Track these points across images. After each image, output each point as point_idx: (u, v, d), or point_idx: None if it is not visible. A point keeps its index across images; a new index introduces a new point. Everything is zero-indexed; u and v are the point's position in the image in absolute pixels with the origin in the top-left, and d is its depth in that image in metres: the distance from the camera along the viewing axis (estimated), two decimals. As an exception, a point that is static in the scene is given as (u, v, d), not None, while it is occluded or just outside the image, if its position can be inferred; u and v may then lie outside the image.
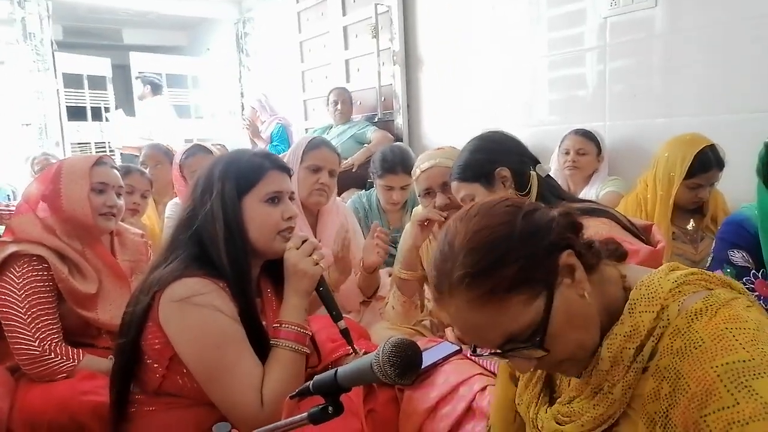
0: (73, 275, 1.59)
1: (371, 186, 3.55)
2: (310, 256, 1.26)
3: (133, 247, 1.81)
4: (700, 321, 0.70)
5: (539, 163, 1.54)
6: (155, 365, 1.21)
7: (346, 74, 4.11)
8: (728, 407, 0.63)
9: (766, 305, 1.33)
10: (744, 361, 0.65)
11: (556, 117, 2.94)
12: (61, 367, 1.47)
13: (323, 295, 1.29)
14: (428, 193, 1.78)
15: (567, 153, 2.61)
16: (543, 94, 3.01)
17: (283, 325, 1.23)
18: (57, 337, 1.51)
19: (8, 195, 3.71)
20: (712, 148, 1.97)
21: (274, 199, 1.27)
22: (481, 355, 0.82)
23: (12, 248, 1.51)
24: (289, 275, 1.26)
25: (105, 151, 6.85)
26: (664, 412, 0.70)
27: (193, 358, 1.16)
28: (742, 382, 0.63)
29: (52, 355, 1.47)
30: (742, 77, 2.22)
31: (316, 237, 2.00)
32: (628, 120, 2.65)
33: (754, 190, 1.77)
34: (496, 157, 1.48)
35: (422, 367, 1.44)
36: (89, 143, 6.67)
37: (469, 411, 1.32)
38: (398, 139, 3.64)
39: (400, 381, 0.79)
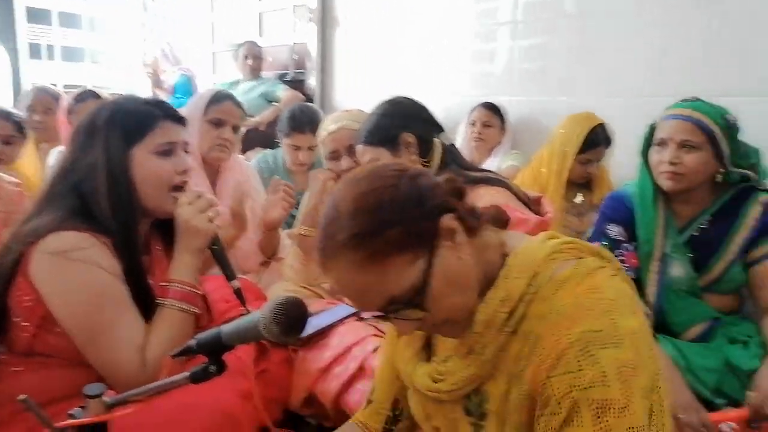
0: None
1: (278, 146, 3.48)
2: (204, 212, 1.20)
3: (6, 197, 1.66)
4: (564, 289, 0.75)
5: (443, 131, 1.57)
6: (24, 323, 1.11)
7: (259, 28, 3.94)
8: (572, 372, 0.68)
9: (634, 275, 1.45)
10: (595, 331, 0.69)
11: (468, 88, 3.00)
12: None
13: (217, 253, 1.24)
14: (334, 156, 1.76)
15: (473, 124, 2.68)
16: (456, 64, 3.05)
17: (172, 284, 1.17)
18: None
19: None
20: (602, 126, 2.12)
21: (167, 151, 1.18)
22: (365, 319, 0.83)
23: None
24: (181, 232, 1.19)
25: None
26: (520, 371, 0.75)
27: (69, 316, 1.08)
28: (588, 351, 0.68)
29: None
30: (636, 64, 2.37)
31: (215, 194, 1.92)
32: (533, 96, 2.75)
33: (635, 167, 1.91)
34: (402, 122, 1.48)
35: (315, 327, 1.47)
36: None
37: (360, 370, 1.35)
38: (309, 100, 3.56)
39: (285, 339, 0.78)
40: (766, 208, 1.39)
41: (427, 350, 0.92)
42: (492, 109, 2.68)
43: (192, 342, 0.83)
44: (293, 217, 2.33)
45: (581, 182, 2.20)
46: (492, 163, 2.61)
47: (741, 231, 1.40)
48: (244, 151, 3.03)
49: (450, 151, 1.54)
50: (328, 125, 1.78)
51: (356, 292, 0.77)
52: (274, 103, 3.50)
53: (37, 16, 6.07)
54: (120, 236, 1.12)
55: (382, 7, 3.29)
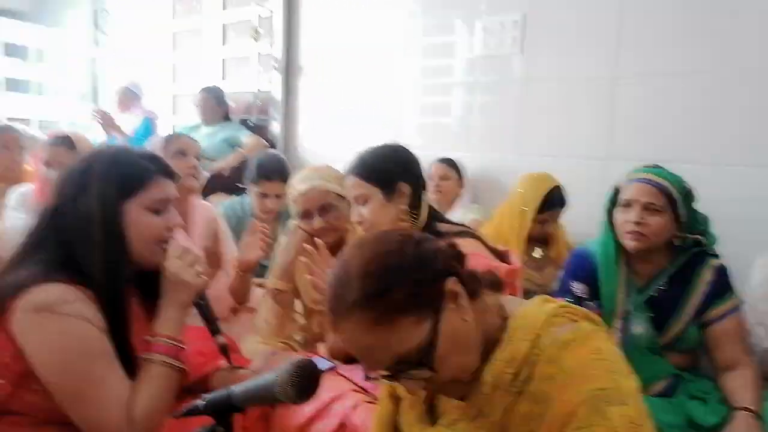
0: None
1: (241, 191, 3.46)
2: (192, 266, 1.20)
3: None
4: (568, 350, 0.81)
5: (425, 189, 1.64)
6: (1, 381, 1.07)
7: (222, 72, 3.96)
8: (584, 428, 0.74)
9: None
10: (602, 389, 0.76)
11: (425, 142, 3.10)
12: None
13: (202, 308, 1.24)
14: (306, 215, 1.76)
15: (431, 179, 2.75)
16: (414, 118, 3.17)
17: (159, 339, 1.15)
18: None
19: None
20: (558, 188, 2.24)
21: (159, 208, 1.18)
22: (374, 379, 0.86)
23: None
24: (170, 286, 1.18)
25: None
26: (531, 431, 0.80)
27: (55, 372, 1.04)
28: (599, 407, 0.75)
29: None
30: (582, 127, 2.55)
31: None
32: (488, 153, 2.89)
33: (586, 224, 2.04)
34: (403, 171, 1.53)
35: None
36: None
37: (341, 427, 1.35)
38: (272, 145, 3.58)
39: (299, 401, 0.80)
40: (717, 273, 1.52)
41: (430, 413, 0.95)
42: (448, 162, 2.80)
43: (200, 402, 0.83)
44: (263, 266, 2.32)
45: (539, 238, 2.31)
46: (454, 216, 2.69)
47: (695, 293, 1.51)
48: (205, 195, 3.00)
49: (431, 207, 1.61)
50: (298, 185, 1.77)
51: (365, 351, 0.80)
52: (237, 148, 3.50)
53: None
54: (108, 289, 1.10)
55: (344, 58, 3.39)
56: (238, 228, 2.46)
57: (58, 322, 1.04)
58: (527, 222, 2.20)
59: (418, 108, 3.15)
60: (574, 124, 2.57)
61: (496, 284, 0.95)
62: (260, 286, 2.19)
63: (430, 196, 2.74)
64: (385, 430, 1.03)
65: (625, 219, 1.53)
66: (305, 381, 0.79)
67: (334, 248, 1.84)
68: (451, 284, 0.82)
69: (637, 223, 1.49)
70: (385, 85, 3.24)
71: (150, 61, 4.70)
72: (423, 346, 0.78)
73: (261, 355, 1.50)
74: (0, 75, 6.23)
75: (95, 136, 3.93)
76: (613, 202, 1.60)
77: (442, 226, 1.56)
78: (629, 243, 1.53)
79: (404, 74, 3.17)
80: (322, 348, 1.68)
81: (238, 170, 3.38)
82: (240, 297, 2.04)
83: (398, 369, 0.79)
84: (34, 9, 7.77)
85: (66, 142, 2.16)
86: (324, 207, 1.74)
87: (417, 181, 1.56)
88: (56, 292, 1.05)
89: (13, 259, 1.14)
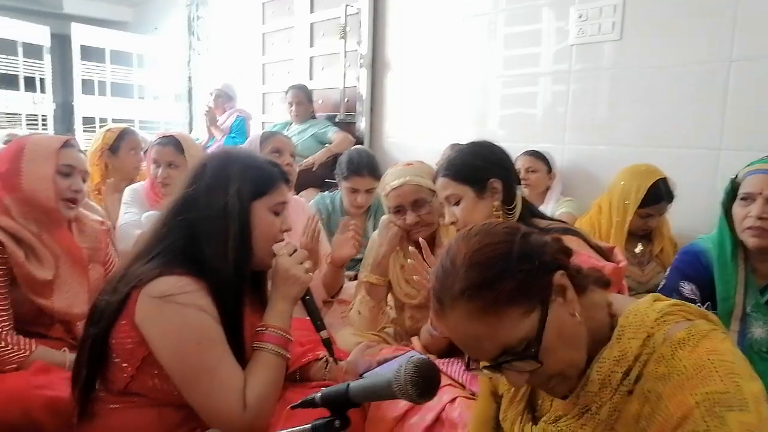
0: (29, 260, 1.49)
1: (330, 186, 3.54)
2: (301, 263, 1.26)
3: (92, 234, 1.72)
4: (684, 350, 0.76)
5: (521, 183, 1.60)
6: (124, 364, 1.16)
7: (309, 71, 4.06)
8: None
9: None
10: (721, 392, 0.71)
11: (511, 134, 3.03)
12: (12, 357, 1.38)
13: (308, 303, 1.30)
14: (398, 210, 1.78)
15: (518, 171, 2.68)
16: (499, 110, 3.10)
17: (268, 329, 1.21)
18: (8, 325, 1.42)
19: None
20: (664, 181, 2.10)
21: (279, 210, 1.27)
22: (476, 369, 0.85)
23: (-35, 230, 1.40)
24: (280, 280, 1.24)
25: (38, 125, 6.44)
26: (641, 431, 0.76)
27: (173, 358, 1.11)
28: (715, 412, 0.70)
29: (2, 344, 1.38)
30: (688, 115, 2.39)
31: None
32: (578, 144, 2.78)
33: (692, 219, 1.90)
34: (492, 167, 1.50)
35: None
36: (20, 114, 6.24)
37: (437, 422, 1.35)
38: (359, 141, 3.64)
39: (419, 400, 0.80)
40: None
41: (530, 409, 0.93)
42: (534, 154, 2.72)
43: (316, 395, 0.85)
44: (355, 260, 2.37)
45: (641, 233, 2.19)
46: (545, 210, 2.61)
47: (823, 294, 1.38)
48: (297, 191, 3.09)
49: (526, 202, 1.57)
50: (390, 180, 1.80)
51: (471, 340, 0.80)
52: (325, 144, 3.58)
53: (91, 54, 6.36)
54: (231, 281, 1.17)
55: (430, 52, 3.38)
56: (328, 223, 2.53)
57: (177, 311, 1.11)
58: (629, 216, 2.08)
59: (503, 99, 3.08)
60: (679, 113, 2.41)
61: (603, 281, 0.92)
62: (353, 278, 2.24)
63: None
64: (484, 427, 1.02)
65: (745, 214, 1.42)
66: (426, 380, 0.79)
67: (427, 243, 1.84)
68: (559, 277, 0.80)
69: (760, 218, 1.38)
70: (470, 77, 3.20)
71: (241, 63, 4.91)
72: (530, 338, 0.77)
73: (356, 349, 1.52)
74: (107, 80, 6.77)
75: (196, 135, 4.17)
76: (731, 195, 1.48)
77: (540, 222, 1.51)
78: (750, 239, 1.42)
79: (489, 65, 3.11)
80: (416, 342, 1.68)
81: (327, 166, 3.47)
82: (332, 290, 2.09)
83: (503, 360, 0.78)
84: (135, 19, 8.36)
85: (173, 141, 2.30)
86: (416, 202, 1.76)
87: (508, 176, 1.52)
88: (175, 283, 1.12)
89: (144, 245, 1.22)
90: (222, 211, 1.18)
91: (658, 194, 2.09)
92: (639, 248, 2.19)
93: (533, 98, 2.94)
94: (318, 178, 3.46)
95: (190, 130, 7.30)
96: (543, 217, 1.60)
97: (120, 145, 2.64)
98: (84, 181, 1.61)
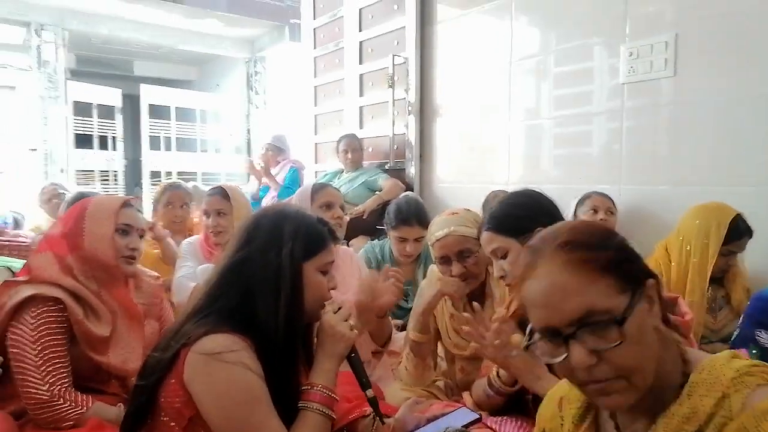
0: (88, 317, 1.55)
1: (381, 233, 3.55)
2: (346, 320, 1.26)
3: (148, 290, 1.78)
4: None
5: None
6: (172, 423, 1.16)
7: (359, 121, 4.15)
8: None
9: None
10: None
11: (565, 175, 2.96)
12: (69, 414, 1.42)
13: (354, 361, 1.29)
14: (444, 261, 1.76)
15: (595, 211, 2.56)
16: (552, 151, 3.04)
17: (314, 388, 1.20)
18: (67, 382, 1.46)
19: (6, 221, 3.64)
20: (740, 216, 1.99)
21: (327, 270, 1.29)
22: (531, 346, 0.82)
23: (28, 291, 1.47)
24: (326, 338, 1.24)
25: (109, 180, 6.85)
26: None
27: (219, 416, 1.12)
28: None
29: (61, 401, 1.42)
30: (755, 151, 2.26)
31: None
32: (636, 185, 2.67)
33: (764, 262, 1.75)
34: (537, 216, 1.44)
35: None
36: (93, 171, 6.67)
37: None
38: (409, 188, 3.66)
39: None
40: None
41: None
42: (606, 196, 2.62)
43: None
44: (402, 308, 2.34)
45: (719, 275, 2.05)
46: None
47: None
48: (348, 239, 3.12)
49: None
50: (435, 230, 1.77)
51: (558, 293, 0.76)
52: (376, 192, 3.61)
53: (158, 112, 6.79)
54: (282, 340, 1.17)
55: (479, 97, 3.39)
56: (378, 271, 2.51)
57: (224, 370, 1.11)
58: (712, 256, 1.95)
59: (555, 140, 3.03)
60: (744, 148, 2.29)
61: (679, 330, 0.86)
62: (402, 329, 2.20)
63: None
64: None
65: None
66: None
67: (475, 295, 1.79)
68: (651, 285, 0.79)
69: None
70: (520, 119, 3.18)
71: (295, 115, 5.09)
72: (616, 313, 0.74)
73: (404, 405, 1.48)
74: (172, 136, 7.18)
75: (251, 186, 4.32)
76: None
77: None
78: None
79: (539, 106, 3.08)
80: (467, 397, 1.61)
81: (377, 213, 3.49)
82: (380, 340, 2.05)
83: (586, 322, 0.74)
84: (198, 77, 8.88)
85: (219, 191, 2.39)
86: (462, 253, 1.73)
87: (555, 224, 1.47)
88: (222, 341, 1.13)
89: (195, 306, 1.25)
90: (275, 273, 1.20)
91: (739, 230, 1.96)
92: (708, 292, 2.05)
93: (587, 138, 2.89)
94: (368, 225, 3.48)
95: (248, 180, 7.60)
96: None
97: (160, 199, 2.84)
98: (141, 238, 1.67)
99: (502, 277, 1.50)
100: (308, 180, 4.31)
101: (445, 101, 3.61)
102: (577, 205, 2.65)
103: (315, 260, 1.26)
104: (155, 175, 6.96)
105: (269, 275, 1.20)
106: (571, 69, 2.93)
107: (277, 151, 4.21)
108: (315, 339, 1.31)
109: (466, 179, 3.46)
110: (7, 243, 2.38)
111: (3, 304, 1.50)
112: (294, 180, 3.99)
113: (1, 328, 1.48)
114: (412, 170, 3.72)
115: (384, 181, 3.62)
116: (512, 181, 3.17)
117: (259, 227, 1.27)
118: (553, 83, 3.01)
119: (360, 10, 4.09)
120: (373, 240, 3.44)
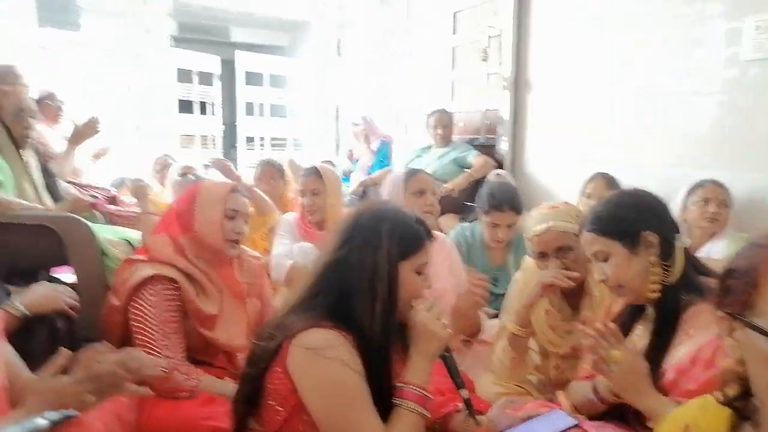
0: (199, 296, 1.66)
1: (470, 210, 3.51)
2: (439, 318, 1.25)
3: (250, 270, 1.87)
4: None
5: (679, 232, 1.44)
6: (278, 408, 1.23)
7: (450, 93, 4.07)
8: None
9: None
10: None
11: (669, 161, 2.76)
12: (184, 384, 1.54)
13: (448, 360, 1.28)
14: (542, 256, 1.72)
15: (706, 203, 2.37)
16: (654, 135, 2.84)
17: (408, 386, 1.22)
18: (182, 355, 1.59)
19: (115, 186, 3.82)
20: None
21: (422, 271, 1.28)
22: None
23: (149, 270, 1.60)
24: (419, 336, 1.25)
25: (207, 144, 7.20)
26: None
27: (320, 409, 1.17)
28: None
29: (176, 373, 1.55)
30: None
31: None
32: (753, 172, 2.45)
33: None
34: (645, 218, 1.36)
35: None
36: (194, 135, 7.04)
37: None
38: (500, 165, 3.56)
39: None
40: None
41: None
42: (722, 186, 2.40)
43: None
44: (492, 294, 2.31)
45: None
46: (715, 248, 2.33)
47: None
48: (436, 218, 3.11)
49: (690, 256, 1.41)
50: (534, 224, 1.73)
51: None
52: (465, 169, 3.56)
53: (252, 78, 7.02)
54: (378, 338, 1.20)
55: (577, 72, 3.21)
56: (468, 254, 2.50)
57: (324, 365, 1.16)
58: None
59: (660, 121, 2.81)
60: None
61: None
62: (494, 316, 2.18)
63: (699, 223, 2.40)
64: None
65: None
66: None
67: (575, 295, 1.74)
68: None
69: None
70: (621, 97, 2.98)
71: (383, 85, 5.07)
72: None
73: (498, 404, 1.48)
74: (265, 102, 7.41)
75: (340, 161, 4.39)
76: None
77: (708, 282, 1.34)
78: None
79: (644, 83, 2.86)
80: (562, 397, 1.58)
81: (467, 190, 3.45)
82: (469, 330, 2.05)
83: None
84: (290, 43, 9.02)
85: (314, 171, 2.44)
86: (561, 249, 1.68)
87: (665, 227, 1.37)
88: (324, 337, 1.17)
89: (300, 297, 1.30)
90: (371, 272, 1.22)
91: None
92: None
93: (700, 118, 2.65)
94: (457, 203, 3.44)
95: (337, 147, 7.72)
96: (711, 274, 1.42)
97: (255, 173, 2.99)
98: (246, 223, 1.76)
99: (604, 281, 1.44)
100: (397, 152, 4.31)
101: (541, 76, 3.45)
102: (688, 194, 2.46)
103: (411, 261, 1.26)
104: (249, 140, 7.24)
105: (366, 275, 1.22)
106: (684, 41, 2.69)
107: (364, 127, 4.22)
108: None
109: (562, 158, 3.32)
110: (122, 213, 2.57)
111: (125, 279, 1.64)
112: (385, 154, 4.01)
113: (125, 302, 1.62)
114: (503, 146, 3.61)
115: (474, 158, 3.55)
116: (613, 162, 3.00)
117: (358, 226, 1.29)
118: (663, 56, 2.77)
119: (456, -22, 3.96)
120: (462, 219, 3.42)
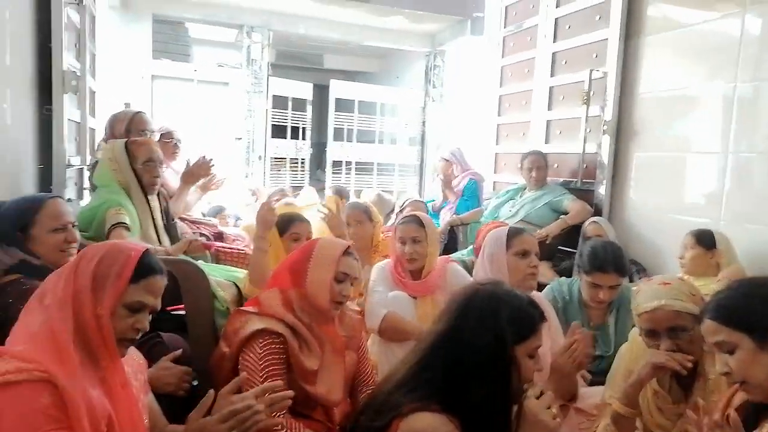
0: (302, 351, 1.72)
1: (563, 255, 3.42)
2: (549, 408, 1.23)
3: (350, 323, 1.92)
4: None
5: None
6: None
7: (545, 135, 4.00)
8: None
9: None
10: None
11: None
12: (287, 438, 1.60)
13: None
14: (651, 335, 1.63)
15: None
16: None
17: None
18: (284, 408, 1.65)
19: (212, 215, 3.95)
20: None
21: (534, 354, 1.29)
22: None
23: (258, 324, 1.68)
24: (529, 425, 1.24)
25: (297, 166, 7.48)
26: None
27: None
28: None
29: (279, 427, 1.60)
30: None
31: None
32: None
33: None
34: None
35: None
36: (285, 158, 7.34)
37: None
38: (598, 211, 3.44)
39: None
40: None
41: None
42: None
43: None
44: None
45: None
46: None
47: None
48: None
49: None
50: (643, 300, 1.64)
51: None
52: (560, 215, 3.46)
53: (342, 105, 7.25)
54: (494, 422, 1.21)
55: (686, 119, 3.05)
56: (565, 312, 2.42)
57: None
58: None
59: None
60: None
61: None
62: (591, 384, 2.10)
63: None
64: None
65: None
66: None
67: (687, 376, 1.64)
68: None
69: None
70: (736, 150, 2.79)
71: (475, 121, 5.05)
72: None
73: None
74: (354, 128, 7.61)
75: (431, 197, 4.41)
76: None
77: None
78: None
79: (753, 131, 2.67)
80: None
81: (560, 237, 3.36)
82: (566, 395, 1.98)
83: None
84: (380, 69, 9.24)
85: (415, 220, 2.42)
86: (674, 329, 1.59)
87: None
88: (431, 422, 1.19)
89: (407, 372, 1.33)
90: (488, 355, 1.23)
91: None
92: None
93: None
94: (550, 249, 3.36)
95: (421, 173, 7.78)
96: None
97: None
98: (352, 285, 1.81)
99: (727, 374, 1.35)
100: (487, 191, 4.27)
101: (646, 122, 3.31)
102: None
103: (526, 344, 1.27)
104: (336, 164, 7.45)
105: (481, 357, 1.23)
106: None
107: (453, 161, 4.18)
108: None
109: (665, 208, 3.16)
110: (228, 251, 2.70)
111: (237, 329, 1.73)
112: (473, 192, 3.97)
113: (236, 351, 1.71)
114: (602, 191, 3.48)
115: (571, 203, 3.45)
116: (724, 218, 2.82)
117: (473, 306, 1.30)
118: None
119: (556, 19, 3.90)
120: (554, 266, 3.33)
